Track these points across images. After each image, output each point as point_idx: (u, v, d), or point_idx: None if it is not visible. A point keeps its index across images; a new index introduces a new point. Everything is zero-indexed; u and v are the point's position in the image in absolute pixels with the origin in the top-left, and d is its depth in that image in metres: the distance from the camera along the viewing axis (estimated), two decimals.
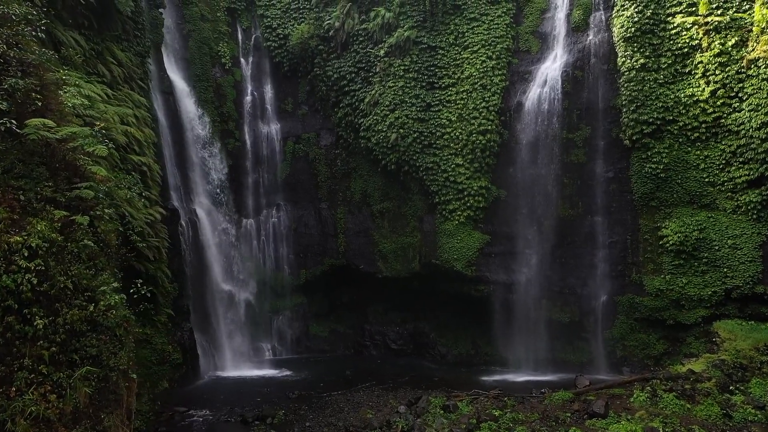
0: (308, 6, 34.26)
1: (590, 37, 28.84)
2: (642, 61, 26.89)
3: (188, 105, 30.77)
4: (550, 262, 29.59)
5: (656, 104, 26.73)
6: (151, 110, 26.30)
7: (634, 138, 27.21)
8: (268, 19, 34.79)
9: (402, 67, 31.17)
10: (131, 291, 13.64)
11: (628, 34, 27.12)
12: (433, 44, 31.00)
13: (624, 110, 27.44)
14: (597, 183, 28.69)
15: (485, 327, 31.34)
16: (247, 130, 34.47)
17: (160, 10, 29.89)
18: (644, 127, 26.93)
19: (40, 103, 11.50)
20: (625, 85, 27.31)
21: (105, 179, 12.30)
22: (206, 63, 32.64)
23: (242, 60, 35.00)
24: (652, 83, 26.84)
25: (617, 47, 27.71)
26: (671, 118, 26.57)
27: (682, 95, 26.32)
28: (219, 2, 34.16)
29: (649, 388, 20.68)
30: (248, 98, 34.87)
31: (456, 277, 30.70)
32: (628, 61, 27.23)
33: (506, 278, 30.22)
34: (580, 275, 29.30)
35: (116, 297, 10.93)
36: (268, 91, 35.37)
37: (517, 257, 30.11)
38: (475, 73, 30.11)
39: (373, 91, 31.80)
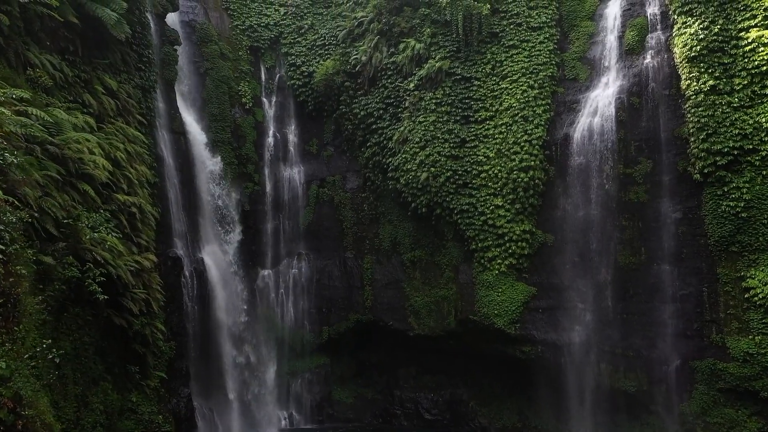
0: (334, 42, 32.21)
1: (647, 60, 25.37)
2: (711, 82, 23.16)
3: (201, 146, 28.44)
4: (608, 318, 25.29)
5: (731, 131, 22.74)
6: (154, 148, 24.03)
7: (706, 171, 23.17)
8: (293, 57, 32.77)
9: (434, 101, 28.27)
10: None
11: (693, 54, 23.57)
12: (468, 75, 28.08)
13: (692, 140, 23.56)
14: (662, 225, 24.55)
15: (533, 395, 26.96)
16: (267, 173, 31.92)
17: (175, 47, 28.11)
18: (718, 159, 22.89)
19: None
20: (692, 110, 23.53)
21: (11, 204, 9.31)
22: (224, 102, 30.53)
23: (264, 100, 32.85)
24: (724, 108, 22.96)
25: (680, 69, 24.18)
26: (751, 147, 22.52)
27: (764, 120, 22.34)
28: (242, 41, 32.44)
29: None
30: (270, 140, 32.48)
31: (497, 336, 26.57)
32: (695, 83, 23.56)
33: (556, 338, 25.93)
34: (646, 335, 24.76)
35: None
36: (292, 132, 32.94)
37: (568, 313, 25.93)
38: (515, 104, 26.90)
39: (402, 128, 28.90)
